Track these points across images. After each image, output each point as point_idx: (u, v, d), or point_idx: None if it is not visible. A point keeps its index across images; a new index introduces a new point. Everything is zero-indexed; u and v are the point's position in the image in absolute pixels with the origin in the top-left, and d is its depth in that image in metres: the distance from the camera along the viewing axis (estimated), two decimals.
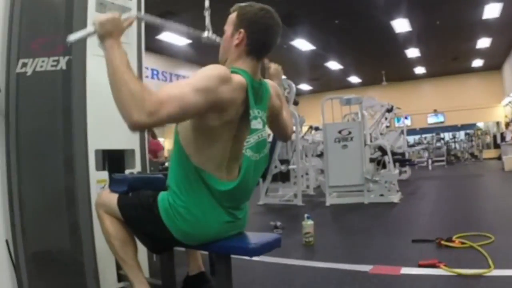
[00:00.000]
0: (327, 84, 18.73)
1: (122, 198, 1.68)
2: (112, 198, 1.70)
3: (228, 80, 1.41)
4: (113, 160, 2.33)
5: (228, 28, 1.59)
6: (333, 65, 15.86)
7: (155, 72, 12.55)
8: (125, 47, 2.25)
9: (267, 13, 1.55)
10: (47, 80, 2.00)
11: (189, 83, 1.33)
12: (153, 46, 11.18)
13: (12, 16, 1.95)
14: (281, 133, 1.93)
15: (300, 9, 9.44)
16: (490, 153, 17.72)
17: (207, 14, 1.85)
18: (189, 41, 11.39)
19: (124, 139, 2.33)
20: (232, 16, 1.59)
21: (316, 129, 9.46)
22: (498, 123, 18.08)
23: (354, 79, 18.80)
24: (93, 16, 2.08)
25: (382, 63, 15.76)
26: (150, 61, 11.73)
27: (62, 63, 1.99)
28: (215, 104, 1.37)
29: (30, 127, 2.00)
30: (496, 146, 16.31)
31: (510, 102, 14.59)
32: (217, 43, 1.72)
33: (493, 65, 17.21)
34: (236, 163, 1.60)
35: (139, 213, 1.62)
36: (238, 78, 1.47)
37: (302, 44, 12.64)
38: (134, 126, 1.23)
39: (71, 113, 2.00)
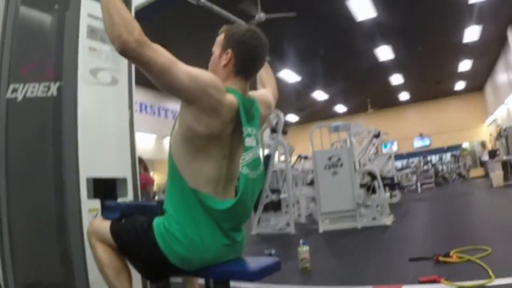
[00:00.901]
0: (313, 114, 18.91)
1: (115, 224, 1.63)
2: (105, 225, 1.64)
3: (220, 90, 1.44)
4: (105, 188, 2.27)
5: (216, 49, 1.62)
6: (319, 95, 16.08)
7: (143, 106, 12.56)
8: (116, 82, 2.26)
9: (254, 33, 1.58)
10: (37, 106, 1.98)
11: (184, 65, 1.41)
12: (141, 80, 11.10)
13: (3, 41, 1.94)
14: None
15: (285, 40, 9.63)
16: (477, 171, 17.86)
17: None
18: None
19: (116, 167, 2.30)
20: (220, 38, 1.62)
21: (305, 158, 9.48)
22: (483, 143, 18.37)
23: (340, 108, 19.04)
24: (85, 42, 2.09)
25: (367, 91, 16.05)
26: (138, 95, 11.70)
27: (53, 89, 1.98)
28: (198, 99, 1.40)
29: (20, 154, 1.96)
30: (482, 164, 16.51)
31: (494, 120, 14.99)
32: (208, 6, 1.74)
33: (475, 87, 17.65)
34: (232, 185, 1.60)
35: (134, 239, 1.56)
36: (229, 97, 1.48)
37: (288, 75, 12.80)
38: (122, 45, 1.29)
39: (62, 140, 1.97)
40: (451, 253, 3.16)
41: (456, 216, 6.35)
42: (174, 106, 13.81)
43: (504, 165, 11.19)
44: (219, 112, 1.44)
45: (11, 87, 1.94)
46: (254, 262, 1.61)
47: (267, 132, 7.08)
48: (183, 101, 1.45)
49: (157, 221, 1.53)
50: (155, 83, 1.41)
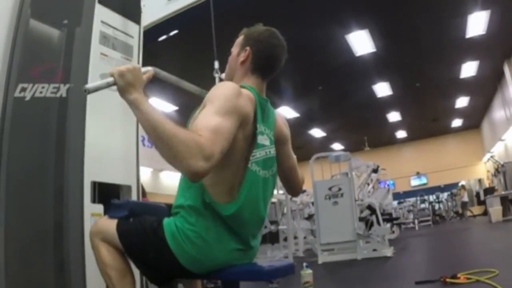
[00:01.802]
0: (310, 152, 18.70)
1: (122, 223, 1.54)
2: (111, 224, 1.55)
3: (240, 93, 1.42)
4: (110, 194, 2.20)
5: (235, 49, 1.64)
6: (317, 132, 16.20)
7: (141, 139, 12.47)
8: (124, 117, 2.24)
9: (272, 33, 1.61)
10: (45, 107, 1.95)
11: (216, 111, 1.30)
12: None
13: (15, 40, 1.94)
14: (291, 180, 1.88)
15: (283, 75, 9.77)
16: (475, 209, 17.74)
17: (217, 76, 1.91)
18: (176, 108, 11.54)
19: (121, 174, 2.25)
20: (239, 39, 1.65)
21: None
22: (480, 180, 18.35)
23: (337, 146, 19.10)
24: (97, 47, 2.10)
25: (364, 129, 16.18)
26: None
27: (63, 90, 1.96)
28: (241, 119, 1.38)
29: (24, 152, 1.91)
30: (480, 202, 16.52)
31: (491, 156, 15.13)
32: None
33: (472, 124, 17.89)
34: None
35: (142, 239, 1.48)
36: (246, 92, 1.48)
37: (287, 112, 12.88)
38: (197, 176, 1.18)
39: (68, 141, 1.93)
40: (458, 275, 3.10)
41: (458, 246, 6.32)
42: None
43: (503, 200, 11.19)
44: (250, 112, 1.44)
45: (20, 86, 1.91)
46: (267, 264, 1.55)
47: None
48: None
49: (167, 221, 1.46)
50: None
